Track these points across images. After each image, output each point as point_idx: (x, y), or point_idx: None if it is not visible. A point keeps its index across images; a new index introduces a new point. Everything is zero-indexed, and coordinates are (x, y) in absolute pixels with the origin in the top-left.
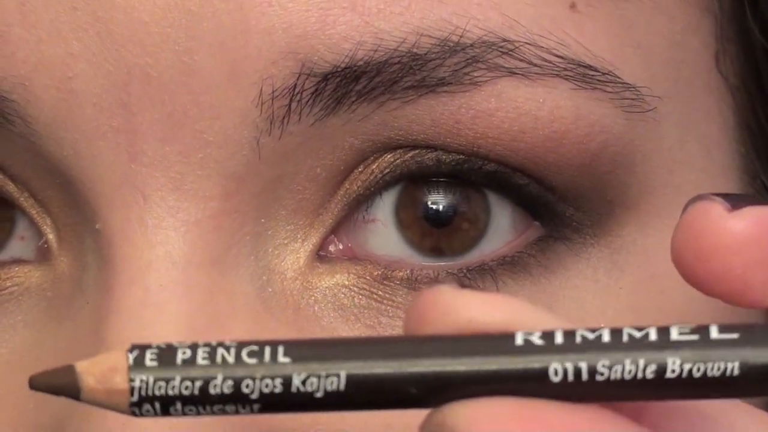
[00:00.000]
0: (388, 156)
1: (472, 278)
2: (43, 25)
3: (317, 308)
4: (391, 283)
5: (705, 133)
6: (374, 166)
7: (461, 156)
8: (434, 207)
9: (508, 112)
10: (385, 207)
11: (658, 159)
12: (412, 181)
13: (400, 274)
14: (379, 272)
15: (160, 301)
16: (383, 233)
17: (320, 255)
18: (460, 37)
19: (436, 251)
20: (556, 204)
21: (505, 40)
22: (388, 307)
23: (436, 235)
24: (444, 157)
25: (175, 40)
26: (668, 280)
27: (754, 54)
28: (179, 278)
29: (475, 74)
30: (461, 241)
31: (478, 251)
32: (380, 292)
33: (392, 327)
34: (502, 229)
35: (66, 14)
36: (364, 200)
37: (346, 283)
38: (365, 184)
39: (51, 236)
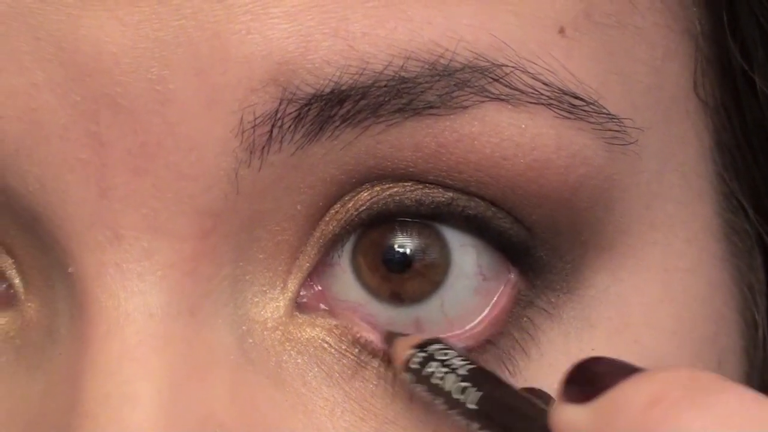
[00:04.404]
0: (365, 194)
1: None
2: (3, 56)
3: (300, 361)
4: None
5: (682, 159)
6: (350, 205)
7: (443, 199)
8: (400, 251)
9: (490, 136)
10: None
11: (636, 194)
12: (379, 224)
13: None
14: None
15: (139, 356)
16: (342, 278)
17: (297, 302)
18: (450, 60)
19: (395, 297)
20: (534, 249)
21: (494, 65)
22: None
23: (395, 280)
24: (425, 198)
25: (147, 69)
26: (642, 327)
27: (732, 74)
28: (157, 331)
29: (462, 98)
30: (421, 288)
31: (438, 298)
32: (362, 357)
33: (376, 396)
34: (465, 275)
35: (28, 44)
36: (339, 239)
37: (328, 339)
38: (341, 223)
39: (17, 280)
